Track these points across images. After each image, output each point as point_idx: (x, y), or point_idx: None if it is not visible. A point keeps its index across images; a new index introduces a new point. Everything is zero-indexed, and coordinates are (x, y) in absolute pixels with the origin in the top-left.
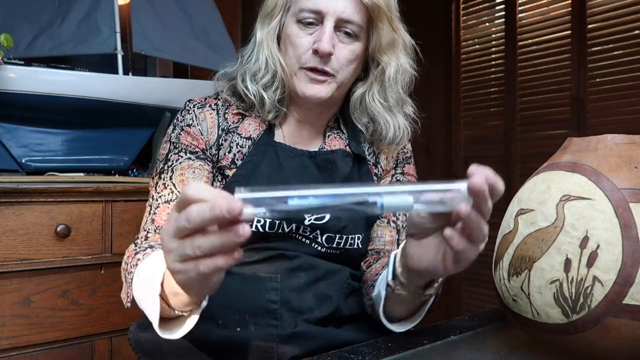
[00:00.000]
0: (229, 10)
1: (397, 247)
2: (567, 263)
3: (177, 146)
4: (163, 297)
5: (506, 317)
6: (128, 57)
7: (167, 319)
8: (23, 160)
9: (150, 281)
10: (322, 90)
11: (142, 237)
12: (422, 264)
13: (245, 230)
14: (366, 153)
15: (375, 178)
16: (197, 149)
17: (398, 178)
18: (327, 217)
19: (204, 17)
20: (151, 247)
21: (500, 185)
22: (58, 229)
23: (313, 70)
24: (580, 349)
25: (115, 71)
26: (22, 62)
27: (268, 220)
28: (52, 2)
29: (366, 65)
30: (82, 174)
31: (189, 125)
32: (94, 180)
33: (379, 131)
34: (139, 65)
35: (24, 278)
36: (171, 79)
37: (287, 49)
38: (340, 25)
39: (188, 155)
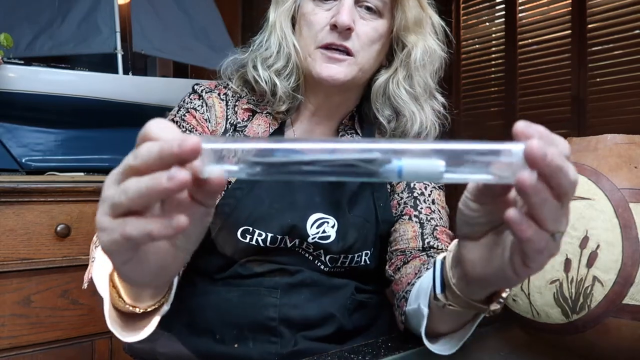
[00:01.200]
0: (229, 10)
1: (422, 242)
2: (567, 263)
3: (181, 125)
4: (114, 283)
5: (506, 317)
6: (128, 57)
7: (131, 320)
8: (23, 160)
9: (102, 257)
10: (340, 71)
11: None
12: (486, 270)
13: (180, 175)
14: None
15: (389, 186)
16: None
17: (415, 185)
18: (332, 237)
19: (204, 17)
20: None
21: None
22: (58, 228)
23: (330, 47)
24: (580, 349)
25: (115, 71)
26: (22, 62)
27: (269, 235)
28: (52, 2)
29: (391, 54)
30: (82, 174)
31: (195, 109)
32: (94, 180)
33: (403, 125)
34: (139, 65)
35: (24, 278)
36: (171, 79)
37: (302, 29)
38: None
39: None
